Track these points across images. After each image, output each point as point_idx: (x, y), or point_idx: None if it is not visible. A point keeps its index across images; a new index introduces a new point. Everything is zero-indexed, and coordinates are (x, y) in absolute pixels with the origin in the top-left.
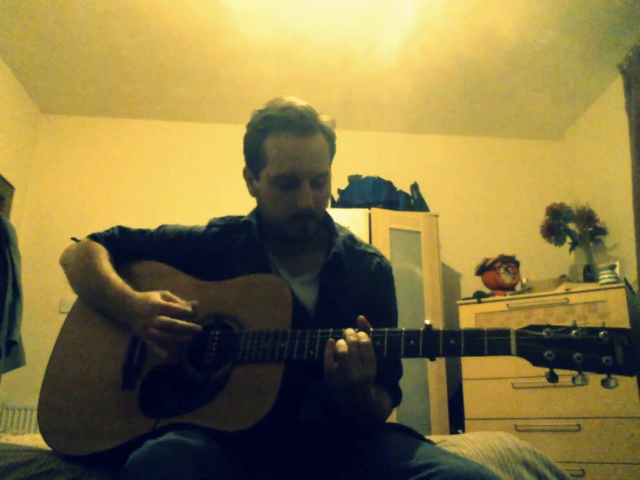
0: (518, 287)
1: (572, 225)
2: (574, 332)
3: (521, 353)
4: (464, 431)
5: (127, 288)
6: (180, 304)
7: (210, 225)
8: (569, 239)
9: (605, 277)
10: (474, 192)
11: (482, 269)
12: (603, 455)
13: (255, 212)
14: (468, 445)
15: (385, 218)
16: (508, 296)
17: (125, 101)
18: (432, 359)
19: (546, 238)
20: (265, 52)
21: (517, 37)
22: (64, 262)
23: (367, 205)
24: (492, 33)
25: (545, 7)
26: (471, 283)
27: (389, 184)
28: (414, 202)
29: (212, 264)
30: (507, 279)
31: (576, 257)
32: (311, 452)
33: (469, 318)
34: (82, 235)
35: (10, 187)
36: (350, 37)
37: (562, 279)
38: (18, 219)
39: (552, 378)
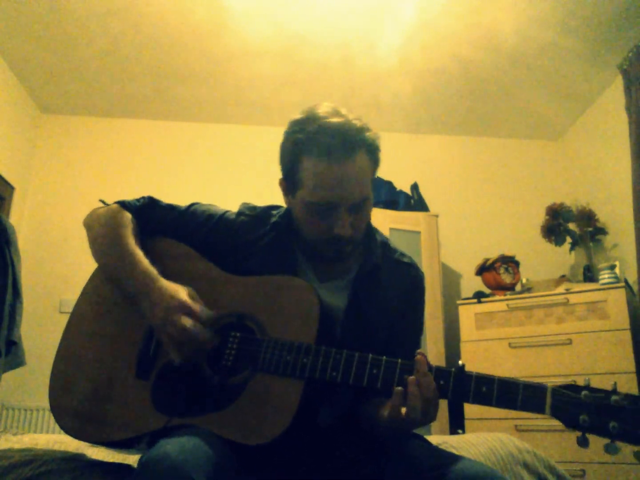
0: (518, 287)
1: (572, 225)
2: (613, 397)
3: (555, 415)
4: (464, 431)
5: (153, 270)
6: (204, 310)
7: (240, 213)
8: (569, 239)
9: (605, 277)
10: (474, 192)
11: (482, 269)
12: (603, 456)
13: (288, 213)
14: (469, 447)
15: (385, 218)
16: (508, 296)
17: (125, 101)
18: (458, 403)
19: (546, 238)
20: (265, 52)
21: (517, 37)
22: (88, 226)
23: None
24: (492, 33)
25: (545, 7)
26: (471, 283)
27: (389, 184)
28: (414, 202)
29: (237, 255)
30: (507, 279)
31: (576, 257)
32: (326, 457)
33: (469, 318)
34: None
35: (10, 187)
36: (350, 37)
37: (562, 279)
38: (18, 219)
39: (583, 443)
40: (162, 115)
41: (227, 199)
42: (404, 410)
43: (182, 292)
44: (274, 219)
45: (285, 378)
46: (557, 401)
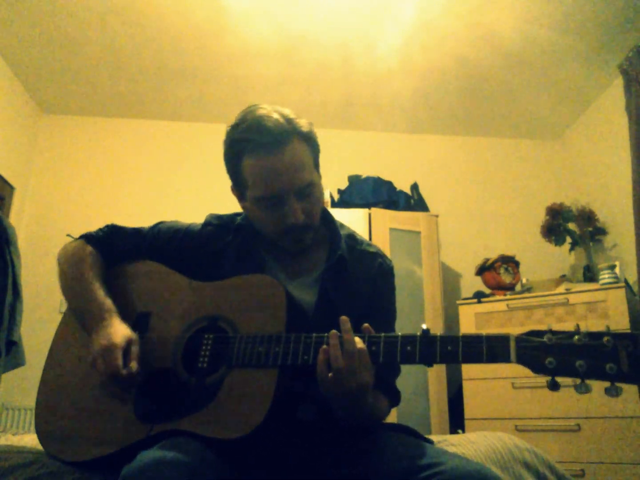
0: (518, 287)
1: (572, 225)
2: (576, 337)
3: (521, 360)
4: (463, 431)
5: (108, 306)
6: (119, 363)
7: (206, 223)
8: (569, 239)
9: (605, 277)
10: (474, 192)
11: (482, 269)
12: (603, 455)
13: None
14: (468, 445)
15: (385, 218)
16: (508, 296)
17: (125, 101)
18: (430, 365)
19: (546, 238)
20: (265, 52)
21: (518, 37)
22: (58, 262)
23: (367, 205)
24: (492, 33)
25: (545, 7)
26: (471, 283)
27: (389, 184)
28: (414, 202)
29: (207, 264)
30: (507, 279)
31: (576, 257)
32: (308, 453)
33: (469, 318)
34: (82, 232)
35: (10, 187)
36: (350, 37)
37: (562, 279)
38: (18, 219)
39: (553, 386)
40: (162, 115)
41: (227, 199)
42: (330, 374)
43: (117, 337)
44: (237, 222)
45: (260, 369)
46: (522, 348)
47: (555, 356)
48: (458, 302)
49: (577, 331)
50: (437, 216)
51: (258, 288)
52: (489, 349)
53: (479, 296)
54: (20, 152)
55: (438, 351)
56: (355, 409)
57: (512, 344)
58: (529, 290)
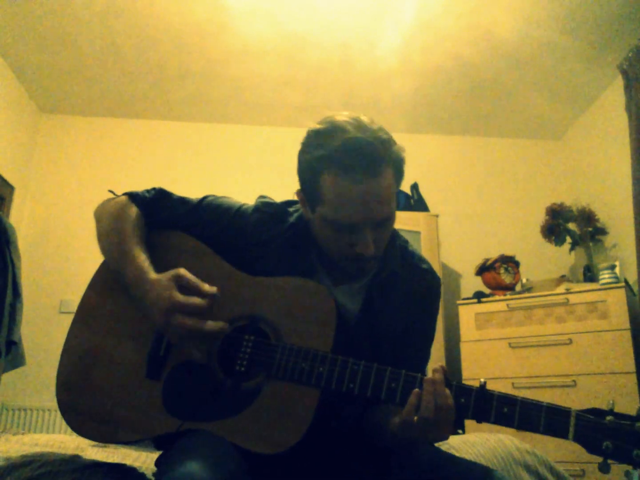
0: (518, 287)
1: (572, 225)
2: (639, 424)
3: (578, 439)
4: (463, 431)
5: (147, 267)
6: (196, 296)
7: (256, 209)
8: (569, 239)
9: (605, 277)
10: (474, 192)
11: (482, 269)
12: None
13: (304, 216)
14: (468, 448)
15: None
16: (508, 296)
17: (125, 101)
18: (479, 422)
19: (546, 238)
20: (265, 52)
21: (517, 37)
22: (97, 218)
23: None
24: (492, 33)
25: (545, 7)
26: (471, 283)
27: None
28: (414, 202)
29: (249, 252)
30: (507, 279)
31: (576, 257)
32: (331, 460)
33: (469, 318)
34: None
35: (10, 187)
36: (350, 37)
37: (562, 279)
38: (18, 219)
39: (604, 469)
40: (162, 115)
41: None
42: (416, 418)
43: (168, 288)
44: (291, 219)
45: (301, 386)
46: (582, 427)
47: (613, 441)
48: (458, 302)
49: None
50: (437, 216)
51: (308, 295)
52: (547, 422)
53: (479, 296)
54: (20, 152)
55: (493, 410)
56: (414, 445)
57: (572, 423)
58: (529, 290)
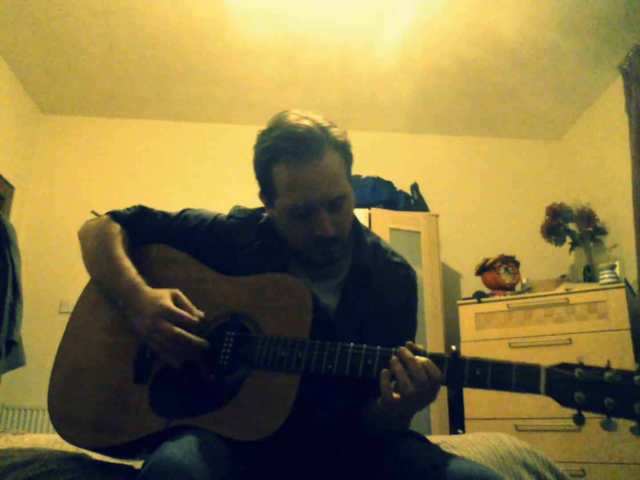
0: (518, 287)
1: (572, 225)
2: (607, 374)
3: (550, 392)
4: (464, 431)
5: (140, 280)
6: (188, 312)
7: (230, 216)
8: (569, 239)
9: (605, 277)
10: (474, 192)
11: (482, 269)
12: (603, 455)
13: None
14: (468, 447)
15: (385, 218)
16: (508, 296)
17: (125, 101)
18: (453, 388)
19: (546, 238)
20: (265, 52)
21: (517, 37)
22: (81, 239)
23: (367, 205)
24: (492, 33)
25: (545, 7)
26: (471, 283)
27: (389, 184)
28: (414, 202)
29: (230, 258)
30: (507, 279)
31: (576, 257)
32: (321, 457)
33: (469, 318)
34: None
35: (10, 187)
36: (350, 37)
37: (562, 279)
38: (18, 219)
39: (579, 420)
40: (162, 115)
41: (227, 199)
42: (396, 395)
43: (164, 297)
44: (261, 222)
45: (281, 373)
46: (552, 380)
47: (585, 391)
48: (458, 302)
49: (609, 368)
50: (437, 216)
51: (284, 288)
52: (519, 379)
53: (479, 296)
54: (20, 152)
55: (466, 374)
56: (405, 422)
57: (543, 377)
58: (529, 290)
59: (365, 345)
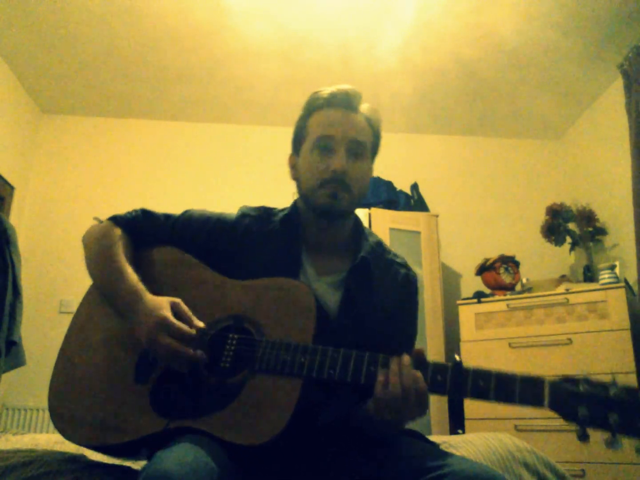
0: (518, 287)
1: (572, 225)
2: (613, 390)
3: (554, 407)
4: (464, 431)
5: (140, 287)
6: (186, 324)
7: (243, 214)
8: (569, 239)
9: (605, 277)
10: (474, 192)
11: (482, 269)
12: (603, 455)
13: (294, 207)
14: (468, 447)
15: (385, 218)
16: (508, 296)
17: (125, 101)
18: (455, 398)
19: (546, 238)
20: (265, 52)
21: (517, 37)
22: (84, 244)
23: (366, 205)
24: (492, 33)
25: (545, 7)
26: (471, 283)
27: (389, 184)
28: (414, 202)
29: (238, 256)
30: (507, 279)
31: (576, 257)
32: (323, 458)
33: (469, 318)
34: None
35: (10, 187)
36: (350, 37)
37: (562, 279)
38: (18, 219)
39: (583, 437)
40: (162, 115)
41: (227, 199)
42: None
43: (163, 308)
44: (283, 213)
45: (283, 377)
46: (556, 395)
47: (589, 407)
48: (458, 302)
49: (614, 383)
50: (437, 216)
51: (289, 292)
52: (522, 392)
53: (479, 296)
54: (20, 152)
55: (469, 385)
56: (393, 429)
57: (547, 391)
58: (529, 290)
59: (368, 353)
